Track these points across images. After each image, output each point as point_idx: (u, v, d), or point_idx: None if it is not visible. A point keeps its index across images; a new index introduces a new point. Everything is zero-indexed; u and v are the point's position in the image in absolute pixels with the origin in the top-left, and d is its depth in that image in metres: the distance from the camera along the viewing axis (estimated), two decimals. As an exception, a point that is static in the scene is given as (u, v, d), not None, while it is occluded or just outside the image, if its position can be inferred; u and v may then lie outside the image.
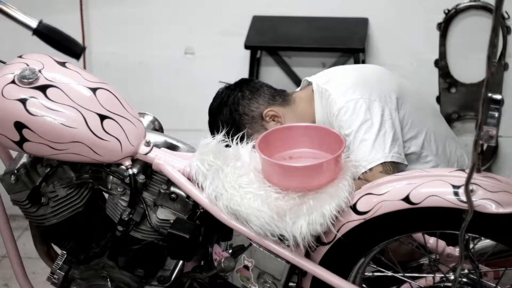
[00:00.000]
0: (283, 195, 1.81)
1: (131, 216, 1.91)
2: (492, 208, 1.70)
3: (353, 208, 1.83)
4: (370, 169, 2.15)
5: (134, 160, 1.90)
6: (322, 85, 2.35)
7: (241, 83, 2.46)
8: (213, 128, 2.35)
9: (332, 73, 2.44)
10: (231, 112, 2.37)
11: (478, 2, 3.07)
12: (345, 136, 2.16)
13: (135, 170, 1.88)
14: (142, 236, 1.95)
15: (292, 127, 1.96)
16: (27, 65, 1.85)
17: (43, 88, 1.82)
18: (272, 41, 3.18)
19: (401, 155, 2.22)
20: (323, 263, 1.86)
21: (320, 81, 2.37)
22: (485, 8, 3.06)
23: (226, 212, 1.84)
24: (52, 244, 2.11)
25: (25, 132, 1.80)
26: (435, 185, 1.78)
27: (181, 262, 2.02)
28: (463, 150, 2.48)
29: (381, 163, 2.16)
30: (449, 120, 3.12)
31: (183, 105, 3.38)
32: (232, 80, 2.53)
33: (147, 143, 1.91)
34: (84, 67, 3.17)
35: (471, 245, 2.03)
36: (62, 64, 1.92)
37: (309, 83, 2.42)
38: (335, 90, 2.30)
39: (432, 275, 2.05)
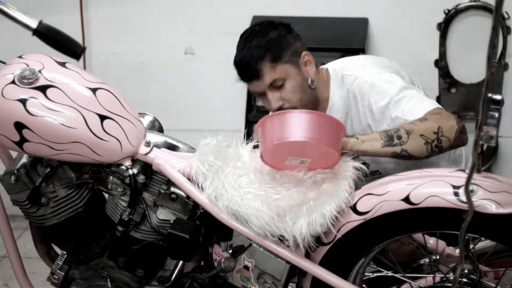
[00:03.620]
0: (283, 196, 1.81)
1: (131, 216, 1.91)
2: (492, 208, 1.70)
3: (353, 208, 1.83)
4: (430, 111, 2.05)
5: (134, 161, 1.90)
6: (341, 71, 2.31)
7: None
8: (247, 56, 2.22)
9: (348, 60, 2.40)
10: (280, 36, 2.24)
11: (478, 2, 3.07)
12: (384, 107, 2.14)
13: (135, 170, 1.88)
14: (142, 236, 1.95)
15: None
16: (27, 65, 1.85)
17: (43, 88, 1.82)
18: (272, 41, 3.17)
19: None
20: (323, 263, 1.86)
21: (339, 68, 2.33)
22: (485, 8, 3.06)
23: (226, 212, 1.84)
24: (52, 244, 2.11)
25: (25, 132, 1.80)
26: (435, 185, 1.78)
27: (181, 262, 2.02)
28: (463, 149, 2.48)
29: (439, 107, 2.09)
30: (449, 120, 3.11)
31: (183, 105, 3.38)
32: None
33: (147, 143, 1.91)
34: (84, 67, 3.18)
35: (471, 245, 2.03)
36: (62, 64, 1.92)
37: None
38: (361, 72, 2.26)
39: (432, 275, 2.05)
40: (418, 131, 1.94)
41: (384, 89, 2.17)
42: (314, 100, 2.25)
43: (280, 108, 2.20)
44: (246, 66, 2.20)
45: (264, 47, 2.17)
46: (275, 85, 2.19)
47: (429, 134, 1.94)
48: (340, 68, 2.32)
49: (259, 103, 2.31)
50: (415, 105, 2.10)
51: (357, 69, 2.29)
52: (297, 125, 1.84)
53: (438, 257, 2.08)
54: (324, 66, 2.37)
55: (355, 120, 2.26)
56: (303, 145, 1.83)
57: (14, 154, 2.00)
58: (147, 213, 1.92)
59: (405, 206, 1.78)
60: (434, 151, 1.95)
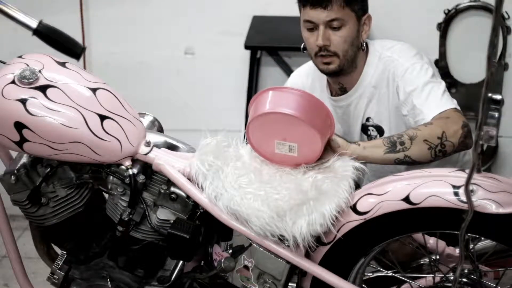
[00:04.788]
0: (283, 195, 1.81)
1: (131, 216, 1.91)
2: (492, 208, 1.70)
3: (353, 208, 1.83)
4: (443, 112, 2.08)
5: (134, 160, 1.90)
6: (381, 49, 2.32)
7: None
8: None
9: (392, 42, 2.40)
10: None
11: (478, 2, 3.07)
12: (409, 93, 2.16)
13: (135, 170, 1.88)
14: (142, 236, 1.95)
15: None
16: (27, 65, 1.85)
17: (43, 88, 1.82)
18: (272, 41, 3.18)
19: None
20: (323, 263, 1.86)
21: (378, 46, 2.34)
22: (485, 8, 3.06)
23: (226, 212, 1.84)
24: (52, 244, 2.11)
25: (25, 132, 1.80)
26: (435, 185, 1.78)
27: (181, 262, 2.02)
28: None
29: (454, 108, 2.10)
30: (449, 120, 3.11)
31: (183, 105, 3.38)
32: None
33: (147, 143, 1.91)
34: (84, 67, 3.18)
35: (471, 245, 2.03)
36: (62, 64, 1.92)
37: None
38: (400, 55, 2.27)
39: (432, 275, 2.05)
40: (422, 137, 1.96)
41: (415, 76, 2.19)
42: (354, 62, 2.28)
43: (324, 48, 2.21)
44: None
45: None
46: (333, 24, 2.20)
47: (433, 139, 1.95)
48: (380, 46, 2.34)
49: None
50: (432, 100, 2.12)
51: (396, 52, 2.30)
52: (291, 101, 1.85)
53: (438, 257, 2.08)
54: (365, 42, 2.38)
55: (382, 99, 2.28)
56: (291, 122, 1.83)
57: (14, 154, 2.00)
58: (147, 213, 1.92)
59: (405, 206, 1.78)
60: (438, 156, 1.97)
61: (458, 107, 2.12)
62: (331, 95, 2.40)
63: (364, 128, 2.37)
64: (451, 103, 2.11)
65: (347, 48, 2.22)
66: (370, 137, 2.35)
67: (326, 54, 2.22)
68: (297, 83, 2.47)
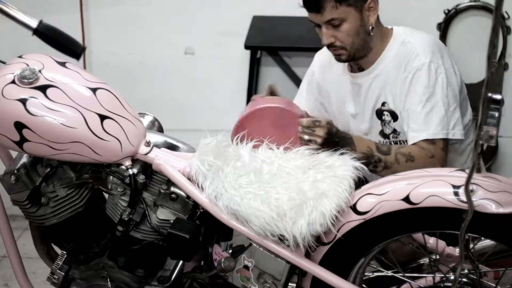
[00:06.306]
0: (283, 195, 1.81)
1: (131, 216, 1.91)
2: (492, 208, 1.70)
3: (353, 208, 1.83)
4: (432, 140, 2.22)
5: (134, 160, 1.90)
6: (405, 35, 2.35)
7: None
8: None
9: (415, 31, 2.42)
10: None
11: (478, 2, 3.07)
12: (417, 92, 2.24)
13: (135, 170, 1.88)
14: (142, 236, 1.95)
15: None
16: (27, 65, 1.85)
17: (43, 88, 1.82)
18: (272, 41, 3.18)
19: (461, 130, 2.28)
20: (323, 263, 1.86)
21: (403, 32, 2.37)
22: (485, 8, 3.06)
23: (226, 212, 1.84)
24: (52, 244, 2.11)
25: (25, 132, 1.80)
26: (435, 185, 1.78)
27: (181, 262, 2.02)
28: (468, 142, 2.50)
29: (443, 139, 2.23)
30: (449, 120, 3.11)
31: (183, 105, 3.38)
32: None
33: (147, 143, 1.91)
34: (84, 67, 3.18)
35: (471, 245, 2.03)
36: (62, 64, 1.92)
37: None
38: (420, 45, 2.30)
39: (432, 275, 2.05)
40: (397, 167, 2.16)
41: (425, 79, 2.25)
42: (366, 47, 2.33)
43: (331, 45, 2.31)
44: None
45: None
46: (332, 23, 2.25)
47: (408, 169, 2.02)
48: (405, 33, 2.37)
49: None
50: (423, 121, 2.24)
51: (421, 42, 2.32)
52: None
53: (438, 257, 2.08)
54: (389, 26, 2.41)
55: (392, 83, 2.33)
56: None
57: (14, 154, 2.00)
58: (147, 213, 1.92)
59: (405, 206, 1.78)
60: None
61: (451, 132, 2.25)
62: (350, 70, 2.45)
63: (379, 113, 2.40)
64: (440, 131, 2.23)
65: (352, 40, 2.28)
66: (384, 122, 2.39)
67: (334, 49, 2.31)
68: (322, 60, 2.55)
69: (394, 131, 2.37)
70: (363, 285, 2.01)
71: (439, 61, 2.27)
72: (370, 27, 2.29)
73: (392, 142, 2.38)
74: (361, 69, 2.40)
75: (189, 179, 1.89)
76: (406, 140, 2.32)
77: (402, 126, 2.33)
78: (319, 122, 2.18)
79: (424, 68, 2.25)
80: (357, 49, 2.30)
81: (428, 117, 2.23)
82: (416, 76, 2.25)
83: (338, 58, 2.35)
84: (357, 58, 2.34)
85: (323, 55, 2.53)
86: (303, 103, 2.56)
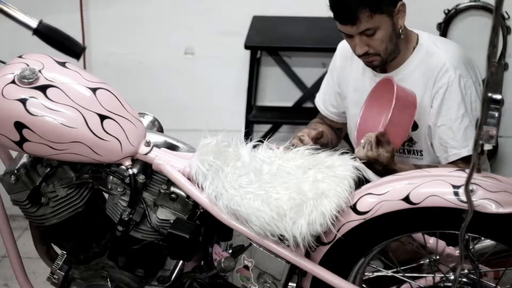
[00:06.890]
0: (283, 195, 1.81)
1: (131, 216, 1.91)
2: (492, 208, 1.70)
3: (353, 208, 1.83)
4: (465, 158, 2.22)
5: (134, 160, 1.90)
6: (431, 43, 2.33)
7: None
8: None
9: (439, 39, 2.42)
10: None
11: (478, 2, 3.07)
12: (452, 108, 2.24)
13: (135, 170, 1.88)
14: (142, 236, 1.95)
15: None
16: (27, 65, 1.85)
17: (43, 88, 1.82)
18: (272, 41, 3.18)
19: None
20: (323, 263, 1.86)
21: (429, 39, 2.35)
22: (485, 8, 3.05)
23: (226, 212, 1.84)
24: (52, 244, 2.11)
25: (25, 132, 1.80)
26: (435, 185, 1.78)
27: (181, 262, 2.02)
28: None
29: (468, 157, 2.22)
30: (449, 120, 3.11)
31: (183, 105, 3.38)
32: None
33: (147, 143, 1.91)
34: (84, 67, 3.18)
35: (471, 245, 2.03)
36: (62, 64, 1.92)
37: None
38: (448, 58, 2.29)
39: (432, 275, 2.05)
40: None
41: (457, 96, 2.24)
42: (396, 50, 2.29)
43: (365, 54, 2.25)
44: (345, 8, 2.19)
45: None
46: (366, 33, 2.21)
47: None
48: (430, 41, 2.34)
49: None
50: (463, 138, 2.23)
51: (447, 51, 2.31)
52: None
53: (438, 257, 2.08)
54: (415, 31, 2.38)
55: (417, 94, 2.28)
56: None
57: (14, 154, 2.00)
58: (147, 213, 1.92)
59: (405, 205, 1.78)
60: None
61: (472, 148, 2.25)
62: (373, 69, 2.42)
63: None
64: (468, 148, 2.21)
65: (386, 46, 2.25)
66: None
67: (368, 56, 2.26)
68: (345, 52, 2.47)
69: (411, 139, 2.34)
70: (363, 285, 2.01)
71: (467, 75, 2.27)
72: (400, 30, 2.26)
73: (405, 151, 2.36)
74: (383, 70, 2.35)
75: (189, 179, 1.89)
76: (421, 151, 2.33)
77: (420, 136, 2.31)
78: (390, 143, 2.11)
79: (455, 84, 2.24)
80: (390, 53, 2.27)
81: (466, 132, 2.22)
82: (448, 92, 2.24)
83: (370, 65, 2.30)
84: (388, 62, 2.30)
85: (345, 49, 2.47)
86: (321, 94, 2.57)
